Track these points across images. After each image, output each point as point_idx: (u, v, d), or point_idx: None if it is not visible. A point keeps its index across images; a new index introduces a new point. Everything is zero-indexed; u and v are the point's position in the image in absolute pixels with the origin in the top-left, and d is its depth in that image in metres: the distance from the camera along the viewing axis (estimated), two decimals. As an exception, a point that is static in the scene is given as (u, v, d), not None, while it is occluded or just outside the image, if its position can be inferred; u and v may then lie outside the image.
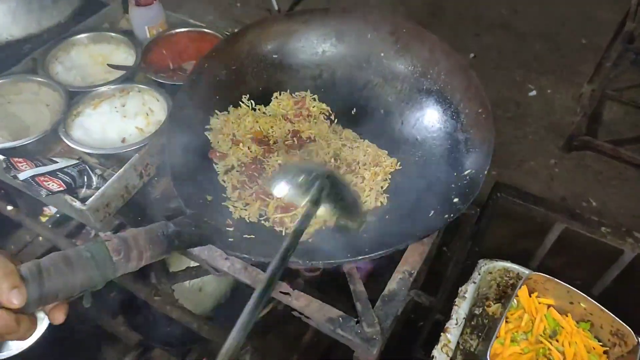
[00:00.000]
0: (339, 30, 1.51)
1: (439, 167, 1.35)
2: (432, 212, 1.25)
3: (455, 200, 1.25)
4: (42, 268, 0.79)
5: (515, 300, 1.07)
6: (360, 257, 1.15)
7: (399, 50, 1.48)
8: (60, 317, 0.82)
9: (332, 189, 1.12)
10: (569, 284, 1.08)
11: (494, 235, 1.61)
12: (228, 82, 1.44)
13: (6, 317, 0.71)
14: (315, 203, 1.06)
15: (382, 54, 1.49)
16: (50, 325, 1.47)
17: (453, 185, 1.28)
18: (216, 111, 1.41)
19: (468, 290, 1.10)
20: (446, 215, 1.21)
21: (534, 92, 3.49)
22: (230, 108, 1.44)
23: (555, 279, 1.06)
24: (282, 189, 1.18)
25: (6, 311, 0.71)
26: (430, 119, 1.43)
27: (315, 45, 1.53)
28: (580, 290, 1.07)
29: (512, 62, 3.68)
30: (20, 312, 0.74)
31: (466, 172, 1.29)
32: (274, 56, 1.50)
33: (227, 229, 1.23)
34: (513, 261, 1.32)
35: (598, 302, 1.08)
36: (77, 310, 1.76)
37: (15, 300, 0.71)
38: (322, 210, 1.09)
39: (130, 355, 1.96)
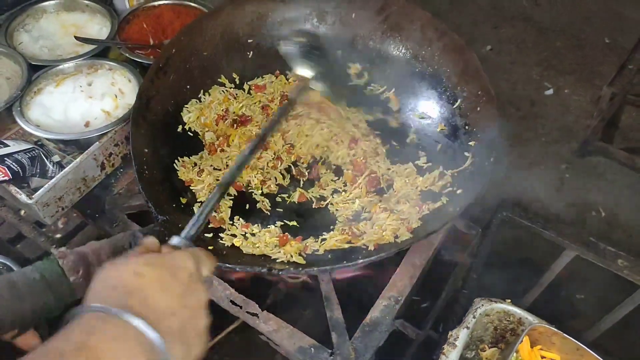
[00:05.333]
0: (320, 9, 1.33)
1: (437, 156, 1.21)
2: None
3: (459, 191, 1.10)
4: None
5: (514, 353, 0.89)
6: (348, 264, 1.01)
7: (386, 31, 1.30)
8: (30, 344, 0.70)
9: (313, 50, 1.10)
10: (577, 336, 0.90)
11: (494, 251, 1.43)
12: (199, 70, 1.25)
13: None
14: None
15: (369, 36, 1.31)
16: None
17: (456, 176, 1.14)
18: (185, 106, 1.22)
19: (460, 337, 0.92)
20: (451, 209, 1.07)
21: (550, 91, 3.26)
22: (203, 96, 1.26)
23: (564, 334, 0.87)
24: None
25: None
26: (424, 105, 1.28)
27: (295, 28, 1.34)
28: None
29: (531, 58, 3.43)
30: None
31: (468, 162, 1.14)
32: (248, 40, 1.30)
33: (206, 235, 1.06)
34: (514, 288, 1.15)
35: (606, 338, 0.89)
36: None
37: None
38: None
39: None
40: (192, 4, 1.48)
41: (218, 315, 1.16)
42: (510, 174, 2.72)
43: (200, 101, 1.25)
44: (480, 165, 1.10)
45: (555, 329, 0.89)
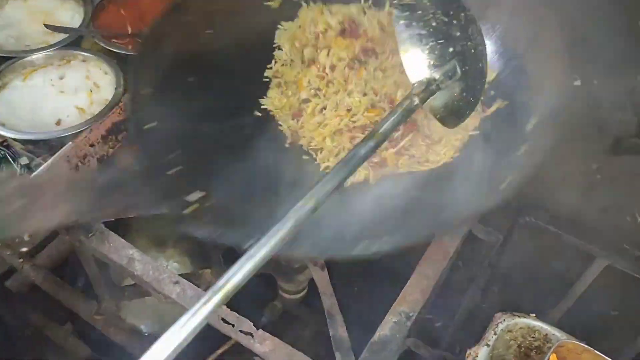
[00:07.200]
0: None
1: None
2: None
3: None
4: None
5: (540, 373, 0.90)
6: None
7: None
8: None
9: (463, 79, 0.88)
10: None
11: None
12: (224, 14, 1.17)
13: None
14: (424, 99, 0.84)
15: None
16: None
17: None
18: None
19: (479, 355, 0.92)
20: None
21: (578, 82, 3.25)
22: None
23: (596, 351, 0.88)
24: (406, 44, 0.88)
25: None
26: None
27: None
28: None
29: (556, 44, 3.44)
30: None
31: (523, 147, 1.01)
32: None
33: None
34: (539, 302, 1.15)
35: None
36: (18, 312, 1.60)
37: None
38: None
39: (76, 375, 1.83)
40: (176, -13, 1.50)
41: (208, 335, 1.18)
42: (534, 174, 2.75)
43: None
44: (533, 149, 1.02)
45: (586, 346, 0.89)
